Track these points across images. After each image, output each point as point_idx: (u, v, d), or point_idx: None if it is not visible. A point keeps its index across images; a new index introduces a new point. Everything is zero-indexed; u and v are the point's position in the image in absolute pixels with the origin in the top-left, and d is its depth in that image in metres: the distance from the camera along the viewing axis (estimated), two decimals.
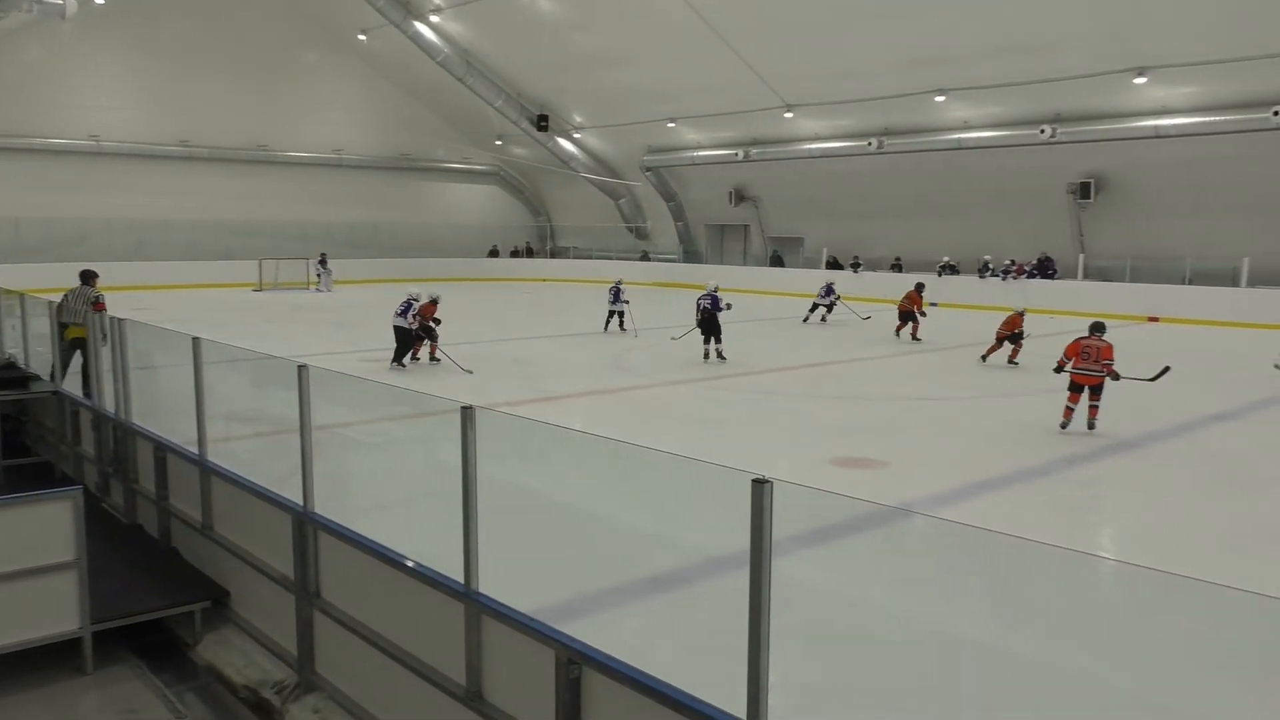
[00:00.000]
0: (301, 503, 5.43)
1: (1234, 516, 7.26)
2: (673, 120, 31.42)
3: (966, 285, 26.84)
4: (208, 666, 5.96)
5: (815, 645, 4.42)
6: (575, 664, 3.57)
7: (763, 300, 27.58)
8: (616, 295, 19.20)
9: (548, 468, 6.04)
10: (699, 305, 15.24)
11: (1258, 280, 22.08)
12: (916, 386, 13.50)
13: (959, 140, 26.34)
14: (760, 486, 2.89)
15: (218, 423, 7.00)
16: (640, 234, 38.62)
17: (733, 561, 3.16)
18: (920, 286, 18.89)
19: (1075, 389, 10.31)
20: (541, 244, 42.10)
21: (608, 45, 27.95)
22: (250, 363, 8.28)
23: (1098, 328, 10.63)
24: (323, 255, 30.75)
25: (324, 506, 5.39)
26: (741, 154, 31.56)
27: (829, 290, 22.17)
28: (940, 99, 25.10)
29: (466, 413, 4.08)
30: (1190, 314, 22.50)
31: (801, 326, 21.34)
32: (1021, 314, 15.40)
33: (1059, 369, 10.50)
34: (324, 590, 5.33)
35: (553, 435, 6.03)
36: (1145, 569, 5.95)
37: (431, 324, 14.26)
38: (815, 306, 22.05)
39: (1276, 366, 14.07)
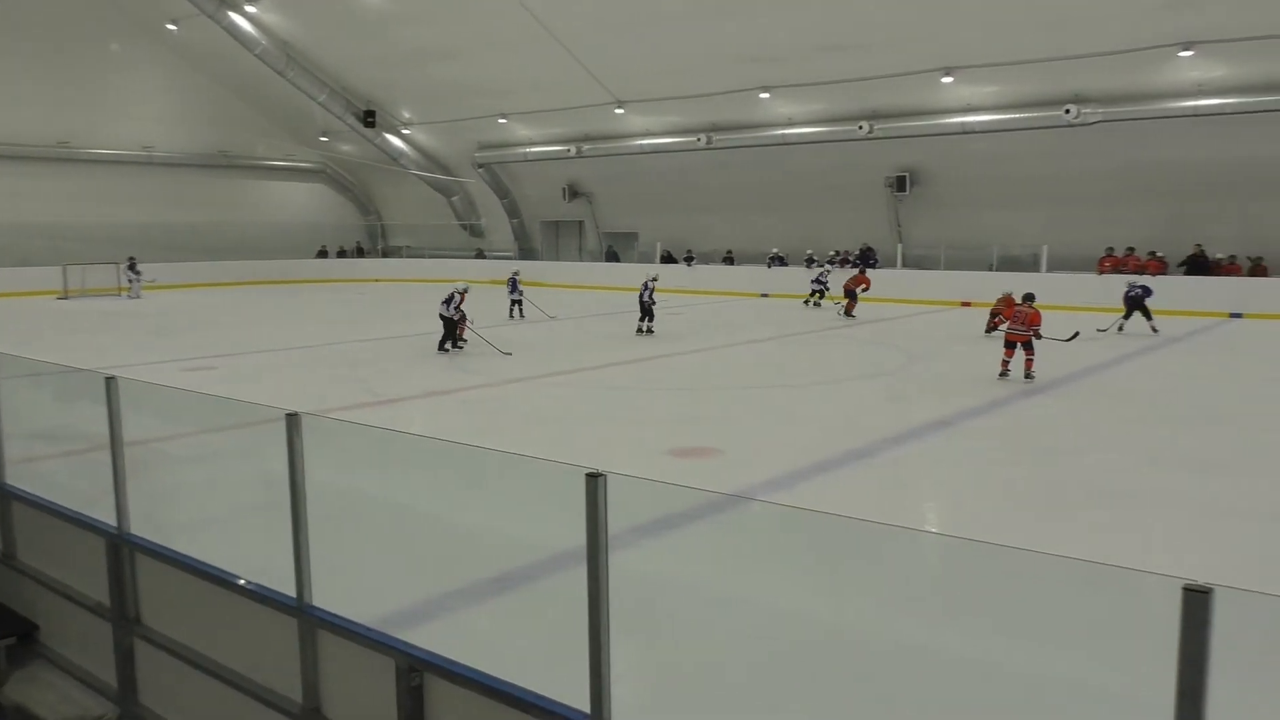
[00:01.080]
0: (115, 524, 5.09)
1: (1044, 484, 7.78)
2: (504, 116, 31.15)
3: (794, 276, 27.76)
4: (16, 707, 5.51)
5: (660, 635, 4.47)
6: (416, 672, 3.49)
7: (599, 295, 27.72)
8: (514, 285, 21.77)
9: (385, 473, 5.88)
10: (641, 291, 18.04)
11: (1055, 266, 23.78)
12: (751, 375, 13.88)
13: (784, 136, 27.23)
14: (594, 480, 2.90)
15: (18, 443, 6.49)
16: (475, 231, 38.13)
17: (576, 556, 3.15)
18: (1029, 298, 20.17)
19: (1009, 346, 12.50)
20: (372, 244, 40.95)
21: (436, 39, 27.41)
22: (55, 376, 7.71)
23: (1029, 298, 12.89)
24: (131, 259, 28.80)
25: (141, 527, 5.07)
26: (574, 150, 31.61)
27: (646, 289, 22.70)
28: (765, 96, 25.88)
29: (292, 420, 3.92)
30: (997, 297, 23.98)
31: (635, 322, 21.56)
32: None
33: (991, 329, 12.90)
34: (144, 616, 5.02)
35: (389, 439, 5.87)
36: (966, 540, 6.31)
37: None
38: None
39: (1100, 330, 15.17)
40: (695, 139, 28.55)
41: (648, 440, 9.46)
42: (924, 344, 16.94)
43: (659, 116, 28.93)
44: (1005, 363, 12.56)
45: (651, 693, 4.17)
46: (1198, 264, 22.25)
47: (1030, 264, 24.49)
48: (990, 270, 25.36)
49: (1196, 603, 2.21)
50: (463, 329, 15.80)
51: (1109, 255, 23.56)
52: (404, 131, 34.79)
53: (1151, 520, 6.85)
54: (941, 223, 26.58)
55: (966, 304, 24.37)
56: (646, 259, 32.54)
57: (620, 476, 3.28)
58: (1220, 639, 2.32)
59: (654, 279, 18.65)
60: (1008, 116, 23.51)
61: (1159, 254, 22.83)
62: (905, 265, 27.07)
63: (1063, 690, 3.72)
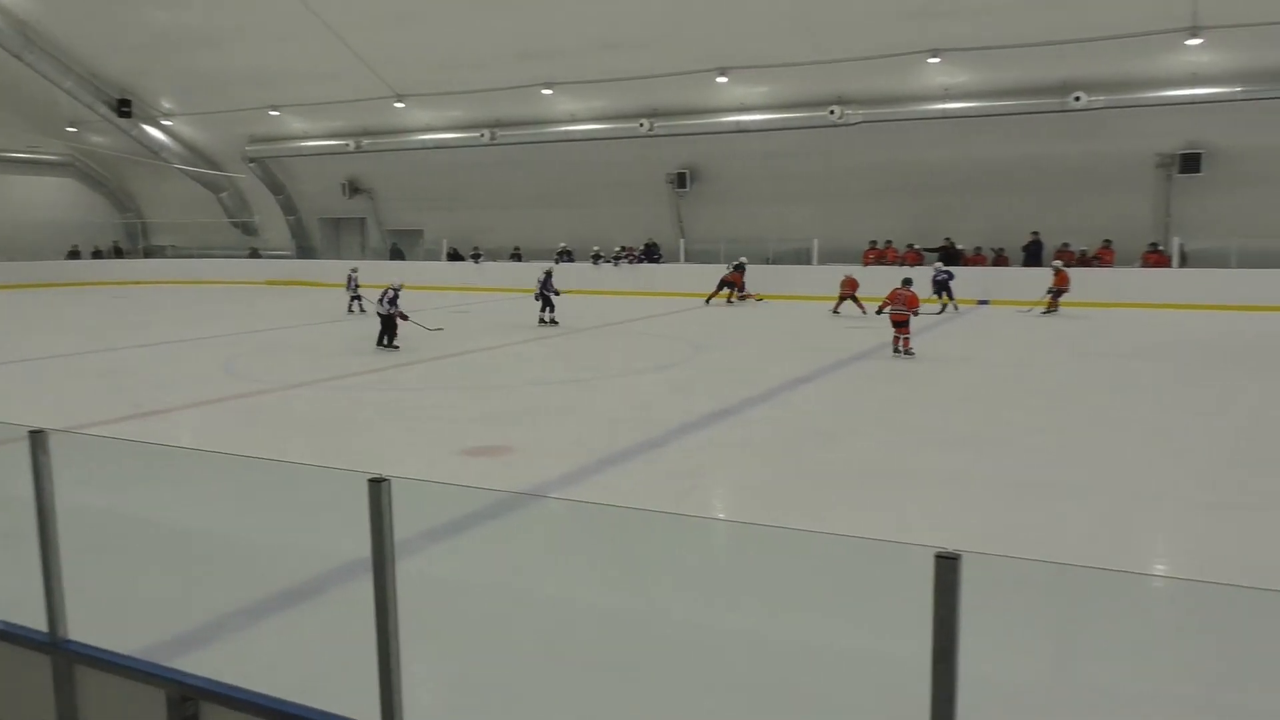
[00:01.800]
0: None
1: (819, 465, 8.23)
2: (276, 108, 29.67)
3: (582, 271, 28.05)
4: None
5: (458, 638, 4.42)
6: (190, 700, 3.28)
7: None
8: (351, 282, 22.56)
9: (155, 491, 5.51)
10: (538, 281, 19.15)
11: (825, 258, 25.19)
12: (541, 371, 13.92)
13: (567, 133, 27.41)
14: (377, 485, 2.82)
15: None
16: (248, 230, 36.14)
17: (366, 565, 3.06)
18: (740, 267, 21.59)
19: (895, 325, 14.30)
20: (132, 243, 38.02)
21: (197, 24, 25.72)
22: None
23: (907, 282, 14.79)
24: None
25: None
26: (353, 144, 30.56)
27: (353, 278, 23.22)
28: (548, 92, 25.94)
29: (36, 438, 3.59)
30: (776, 289, 25.15)
31: (423, 321, 21.13)
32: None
33: (880, 311, 14.99)
34: None
35: (156, 454, 5.49)
36: (752, 524, 6.59)
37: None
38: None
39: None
40: (479, 134, 28.27)
41: (438, 441, 9.31)
42: (708, 335, 17.53)
43: (441, 111, 28.43)
44: (896, 339, 14.35)
45: (450, 697, 4.12)
46: (949, 255, 24.13)
47: (804, 256, 25.83)
48: (767, 263, 26.53)
49: (946, 568, 2.40)
50: (397, 323, 15.78)
51: (872, 248, 25.20)
52: (164, 123, 32.45)
53: (913, 494, 7.39)
54: (721, 217, 27.57)
55: (746, 296, 25.36)
56: (433, 256, 31.99)
57: (407, 480, 3.21)
58: (970, 601, 2.53)
59: (549, 271, 19.55)
60: (778, 116, 24.68)
61: (916, 246, 24.63)
62: (688, 259, 27.88)
63: (836, 658, 3.95)
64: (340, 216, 34.96)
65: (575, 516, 6.12)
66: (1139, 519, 6.79)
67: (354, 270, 23.25)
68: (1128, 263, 22.39)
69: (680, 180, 27.53)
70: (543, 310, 19.12)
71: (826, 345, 16.06)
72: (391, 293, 15.80)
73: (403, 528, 2.97)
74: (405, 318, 15.88)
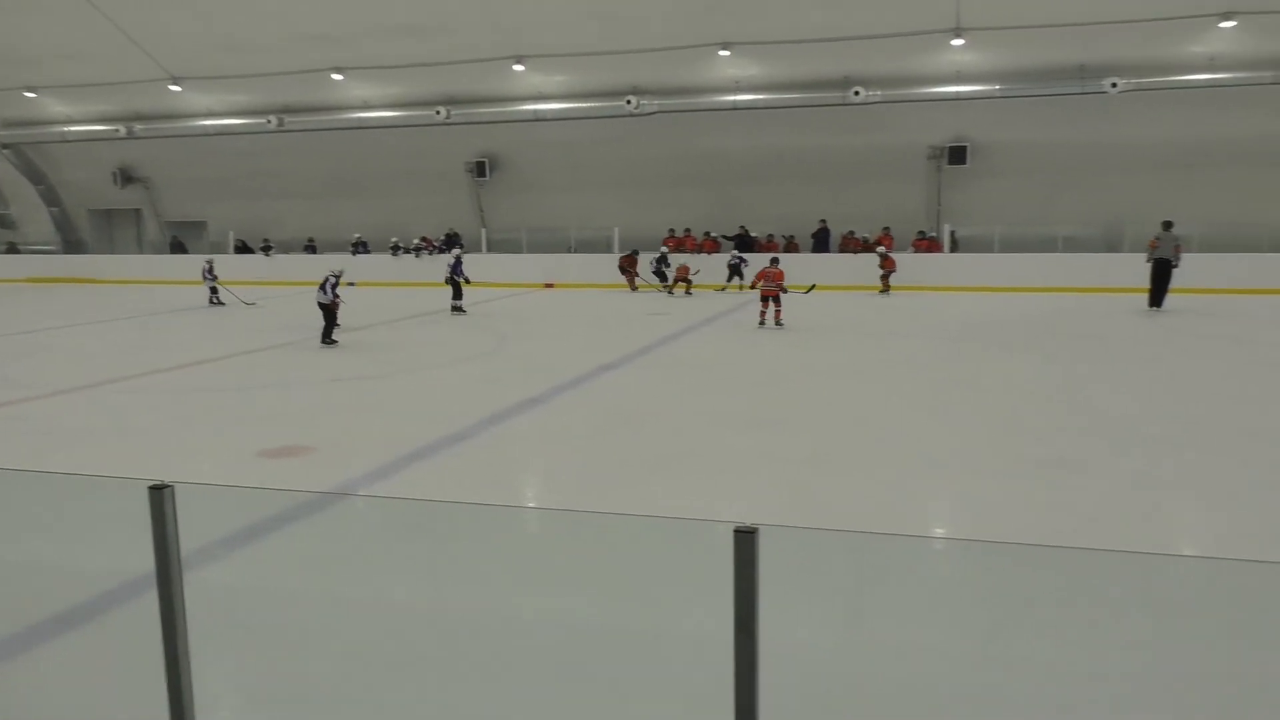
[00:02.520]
0: None
1: (626, 449, 8.38)
2: (32, 90, 27.22)
3: (380, 263, 27.31)
4: None
5: (259, 648, 4.24)
6: None
7: (166, 290, 25.31)
8: (208, 272, 22.04)
9: None
10: (448, 265, 19.53)
11: (626, 246, 25.57)
12: (339, 367, 13.45)
13: (361, 120, 26.55)
14: (159, 493, 2.67)
15: None
16: (4, 223, 33.01)
17: (152, 580, 2.89)
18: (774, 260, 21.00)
19: (764, 300, 15.97)
20: None
21: None
22: None
23: (775, 260, 16.70)
24: None
25: None
26: (124, 130, 28.47)
27: (210, 270, 22.35)
28: (338, 77, 25.04)
29: None
30: (578, 279, 25.35)
31: (207, 317, 20.01)
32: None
33: (753, 286, 16.49)
34: None
35: None
36: (562, 511, 6.64)
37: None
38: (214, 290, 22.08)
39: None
40: (265, 120, 26.96)
41: (234, 443, 8.85)
42: (514, 325, 17.47)
43: (223, 95, 26.89)
44: (762, 313, 16.03)
45: (253, 710, 3.95)
46: (744, 242, 25.02)
47: (605, 245, 26.12)
48: (570, 252, 26.67)
49: (744, 542, 2.52)
50: (335, 311, 15.02)
51: (671, 235, 25.79)
52: None
53: (716, 474, 7.65)
54: (522, 207, 27.48)
55: (550, 285, 25.43)
56: (219, 249, 30.24)
57: (197, 485, 3.05)
58: (772, 571, 2.66)
59: (458, 254, 19.90)
60: (576, 105, 24.83)
61: (713, 233, 25.40)
62: (490, 249, 27.64)
63: (647, 637, 4.06)
64: (112, 207, 32.49)
65: (383, 513, 5.99)
66: (924, 487, 7.30)
67: (209, 261, 22.66)
68: (902, 249, 23.95)
69: (480, 169, 27.23)
70: (455, 298, 19.24)
71: (632, 333, 16.33)
72: (333, 279, 14.98)
73: (195, 536, 2.83)
74: (336, 305, 15.00)
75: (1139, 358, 13.19)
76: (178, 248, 30.97)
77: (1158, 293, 18.30)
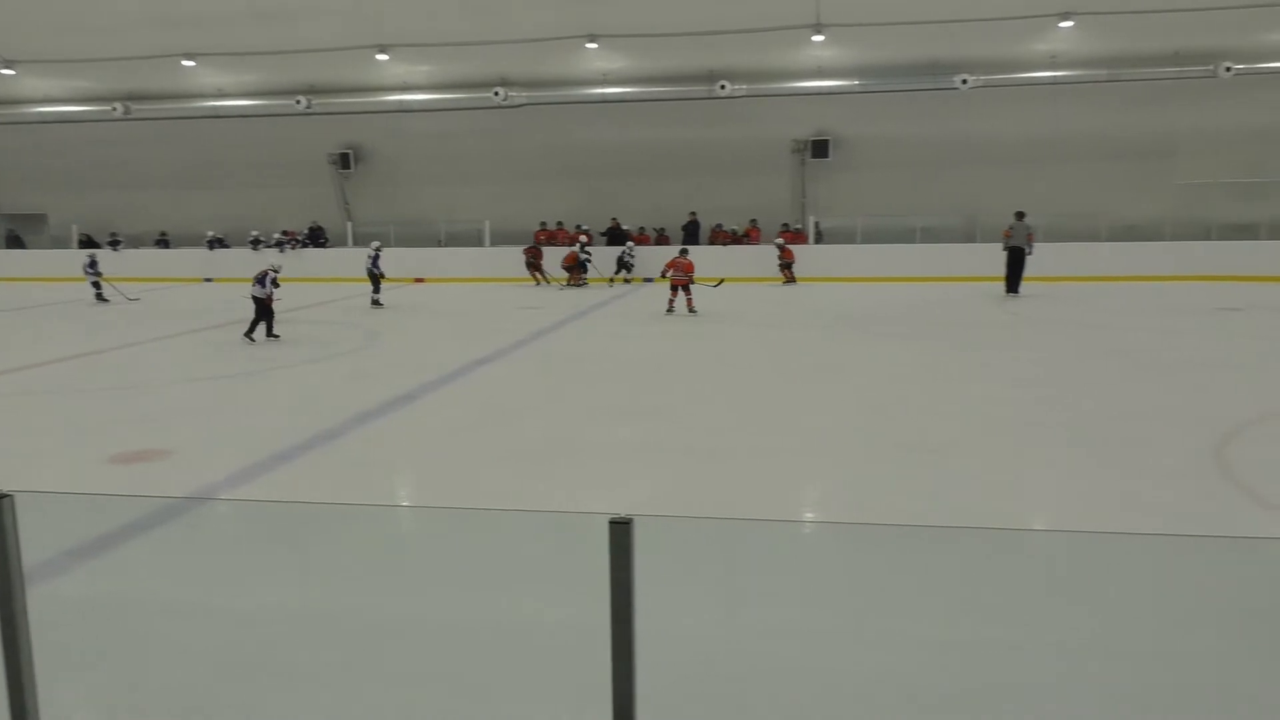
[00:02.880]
0: None
1: (500, 444, 8.29)
2: None
3: (240, 258, 26.31)
4: None
5: (116, 662, 4.02)
6: None
7: (4, 288, 23.72)
8: (89, 268, 20.90)
9: None
10: (369, 257, 19.34)
11: (498, 240, 25.33)
12: (197, 367, 12.88)
13: (215, 108, 25.45)
14: None
15: None
16: None
17: None
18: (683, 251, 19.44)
19: (674, 289, 16.80)
20: None
21: None
22: None
23: (684, 251, 17.63)
24: None
25: None
26: None
27: (92, 265, 21.08)
28: (190, 63, 23.92)
29: None
30: (448, 273, 24.95)
31: (56, 316, 18.86)
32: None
33: (663, 275, 16.96)
34: None
35: None
36: (435, 509, 6.52)
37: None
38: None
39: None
40: (110, 108, 25.51)
41: (81, 448, 8.36)
42: (383, 322, 17.06)
43: (64, 80, 25.32)
44: (671, 302, 16.85)
45: None
46: (615, 235, 25.11)
47: (475, 239, 25.79)
48: (439, 246, 26.23)
49: (620, 533, 2.52)
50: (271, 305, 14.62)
51: (543, 228, 25.66)
52: None
53: (592, 466, 7.66)
54: (389, 200, 26.86)
55: (420, 280, 24.96)
56: (61, 244, 28.53)
57: (40, 494, 2.86)
58: (648, 560, 2.67)
59: (378, 247, 19.67)
60: (443, 96, 24.40)
61: (585, 226, 25.39)
62: (356, 244, 26.94)
63: (527, 633, 4.03)
64: None
65: (247, 517, 5.77)
66: (797, 472, 7.47)
67: (91, 257, 21.48)
68: (768, 241, 24.47)
69: (344, 161, 26.47)
70: (375, 291, 19.25)
71: (505, 326, 16.19)
72: (273, 274, 14.53)
73: (40, 548, 2.65)
74: (271, 300, 14.54)
75: (996, 343, 13.83)
76: (14, 242, 29.07)
77: (1013, 279, 19.38)
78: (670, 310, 16.81)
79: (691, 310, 16.69)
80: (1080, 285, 20.83)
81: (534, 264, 23.56)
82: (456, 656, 3.94)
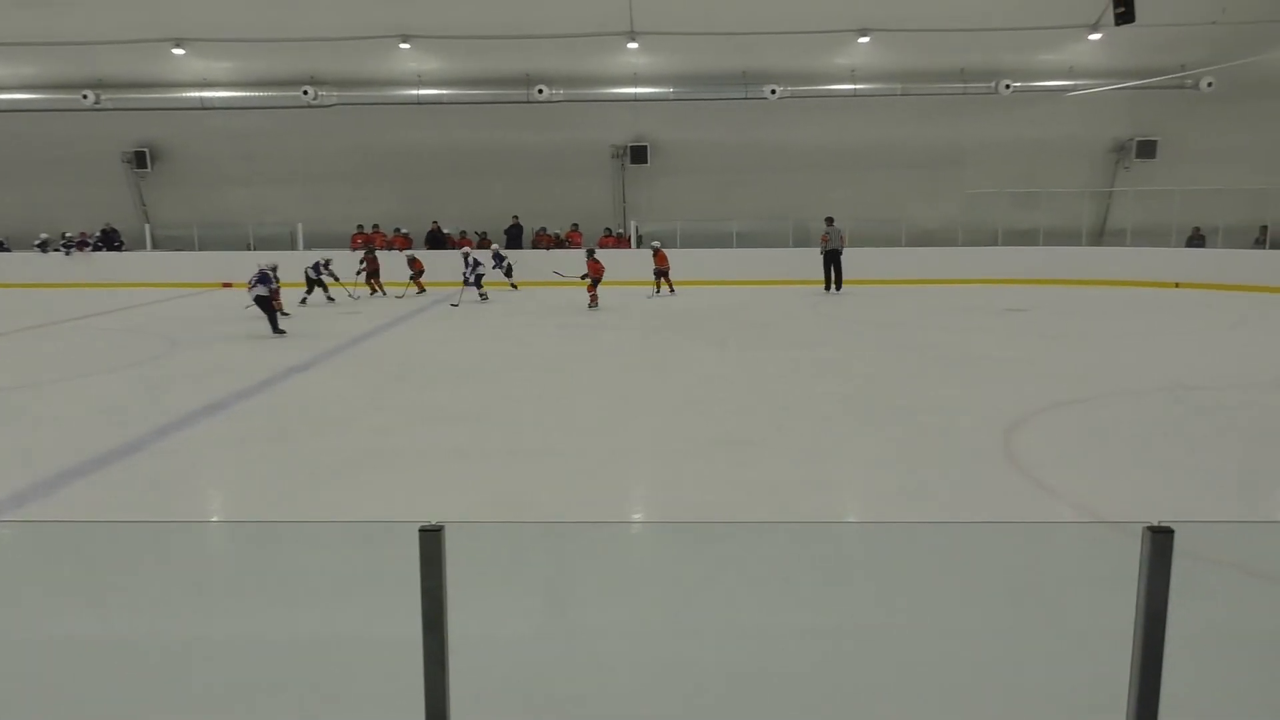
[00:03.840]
0: None
1: (314, 452, 8.03)
2: None
3: (26, 262, 24.36)
4: None
5: None
6: None
7: None
8: None
9: None
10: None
11: (312, 242, 24.44)
12: None
13: None
14: None
15: None
16: None
17: None
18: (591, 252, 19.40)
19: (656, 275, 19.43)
20: None
21: None
22: None
23: (591, 252, 18.61)
24: None
25: None
26: None
27: None
28: None
29: None
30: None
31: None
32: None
33: (584, 277, 17.88)
34: None
35: None
36: (245, 522, 6.27)
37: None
38: None
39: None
40: None
41: None
42: (186, 329, 16.16)
43: None
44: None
45: None
46: (435, 239, 24.74)
47: (288, 242, 24.80)
48: (249, 249, 25.07)
49: (430, 540, 2.54)
50: (278, 304, 15.53)
51: (360, 232, 24.97)
52: None
53: (409, 473, 7.53)
54: (191, 201, 25.46)
55: (228, 284, 23.79)
56: None
57: None
58: (464, 567, 2.68)
59: (328, 260, 19.98)
60: (248, 94, 23.35)
61: (404, 230, 24.87)
62: (156, 247, 25.42)
63: (340, 646, 3.94)
64: None
65: (32, 539, 5.36)
66: (613, 472, 7.60)
67: None
68: (590, 244, 24.67)
69: (139, 159, 24.89)
70: (308, 292, 19.47)
71: (323, 330, 15.67)
72: (271, 271, 15.17)
73: None
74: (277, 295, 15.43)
75: (805, 343, 14.47)
76: None
77: (837, 279, 21.39)
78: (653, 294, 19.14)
79: (672, 290, 19.52)
80: (882, 288, 22.06)
81: (374, 272, 21.63)
82: (265, 672, 3.81)
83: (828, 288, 21.35)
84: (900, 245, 24.08)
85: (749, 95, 22.98)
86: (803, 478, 7.32)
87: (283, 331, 15.16)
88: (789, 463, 7.71)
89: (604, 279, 18.69)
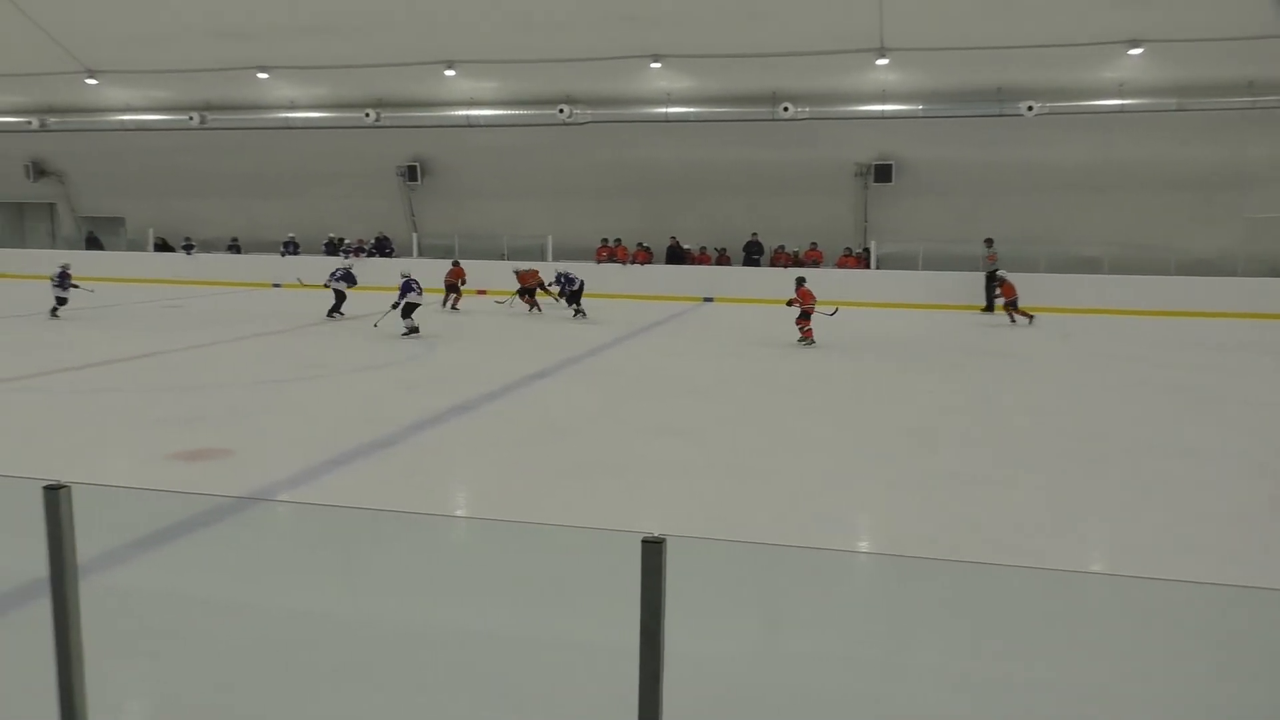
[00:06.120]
0: None
1: (550, 458, 8.38)
2: None
3: (314, 264, 26.83)
4: None
5: (169, 655, 4.16)
6: None
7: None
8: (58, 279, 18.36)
9: None
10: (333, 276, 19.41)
11: (560, 255, 25.51)
12: (260, 370, 13.21)
13: (287, 120, 26.09)
14: (54, 494, 2.62)
15: None
16: None
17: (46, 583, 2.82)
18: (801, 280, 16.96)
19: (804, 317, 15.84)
20: None
21: None
22: None
23: (802, 281, 16.11)
24: None
25: None
26: (37, 122, 27.56)
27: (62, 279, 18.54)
28: (263, 76, 24.59)
29: None
30: (510, 286, 25.12)
31: (126, 317, 19.45)
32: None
33: (790, 304, 15.96)
34: None
35: None
36: (483, 520, 6.62)
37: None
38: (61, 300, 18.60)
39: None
40: (187, 117, 26.34)
41: (146, 445, 8.64)
42: (444, 332, 17.30)
43: (143, 91, 26.20)
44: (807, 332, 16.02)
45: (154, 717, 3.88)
46: (674, 254, 25.20)
47: (539, 253, 26.03)
48: (503, 259, 26.49)
49: (651, 552, 2.56)
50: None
51: (604, 245, 25.83)
52: None
53: (632, 483, 7.70)
54: (454, 212, 27.27)
55: (482, 292, 25.22)
56: (137, 247, 29.47)
57: (100, 487, 3.00)
58: (683, 582, 2.71)
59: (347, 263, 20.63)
60: (508, 112, 24.75)
61: (644, 244, 25.51)
62: (421, 254, 27.38)
63: (558, 648, 4.09)
64: (24, 201, 31.40)
65: (303, 519, 5.91)
66: (836, 499, 7.45)
67: (65, 266, 18.75)
68: (829, 265, 24.34)
69: (411, 173, 26.95)
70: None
71: (563, 341, 16.33)
72: (415, 282, 16.92)
73: (102, 539, 2.78)
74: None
75: (1048, 375, 13.61)
76: (93, 243, 30.04)
77: (992, 300, 21.62)
78: (809, 340, 15.77)
79: (809, 340, 15.73)
80: (1136, 320, 20.38)
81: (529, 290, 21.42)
82: (489, 666, 4.01)
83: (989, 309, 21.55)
84: (1169, 274, 22.16)
85: (1004, 112, 21.91)
86: (1039, 520, 6.88)
87: (341, 315, 18.27)
88: (1026, 502, 7.27)
89: (847, 299, 18.13)
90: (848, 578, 4.71)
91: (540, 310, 20.89)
